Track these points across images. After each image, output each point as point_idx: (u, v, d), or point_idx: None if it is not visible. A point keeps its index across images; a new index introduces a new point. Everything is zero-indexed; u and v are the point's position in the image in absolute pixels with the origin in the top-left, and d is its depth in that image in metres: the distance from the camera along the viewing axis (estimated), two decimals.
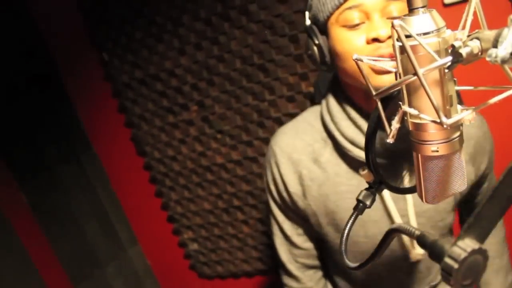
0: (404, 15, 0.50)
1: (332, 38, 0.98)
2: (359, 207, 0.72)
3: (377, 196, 0.96)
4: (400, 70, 0.50)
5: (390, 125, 0.54)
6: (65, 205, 2.32)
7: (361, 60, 0.56)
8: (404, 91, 0.52)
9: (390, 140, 0.54)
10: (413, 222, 1.09)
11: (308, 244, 1.27)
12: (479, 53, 0.45)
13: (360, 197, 0.73)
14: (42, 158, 2.24)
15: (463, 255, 0.46)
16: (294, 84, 1.79)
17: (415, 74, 0.46)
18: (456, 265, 0.46)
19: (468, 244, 0.47)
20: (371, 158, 0.69)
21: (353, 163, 1.07)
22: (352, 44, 0.94)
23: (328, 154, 1.10)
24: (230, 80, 1.89)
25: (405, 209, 1.07)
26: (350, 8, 0.92)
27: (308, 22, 1.05)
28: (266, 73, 1.81)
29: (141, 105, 2.12)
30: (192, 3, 1.81)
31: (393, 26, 0.46)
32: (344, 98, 1.07)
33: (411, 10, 0.49)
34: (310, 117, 1.17)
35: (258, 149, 1.97)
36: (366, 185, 0.99)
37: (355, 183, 1.08)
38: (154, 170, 2.26)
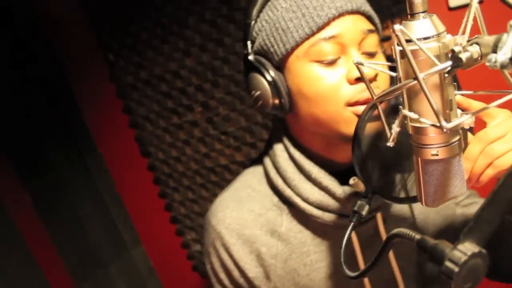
0: (405, 20, 0.50)
1: (297, 76, 0.79)
2: (356, 218, 0.72)
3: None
4: (401, 75, 0.51)
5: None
6: (69, 205, 2.33)
7: (362, 64, 0.56)
8: (405, 95, 0.52)
9: (390, 143, 0.55)
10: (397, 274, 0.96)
11: None
12: (479, 58, 0.46)
13: (356, 208, 0.72)
14: (47, 158, 2.25)
15: (464, 258, 0.46)
16: None
17: (415, 78, 0.46)
18: (456, 269, 0.46)
19: (468, 248, 0.47)
20: (359, 168, 0.69)
21: (319, 227, 0.90)
22: (330, 85, 0.76)
23: (287, 222, 0.91)
24: (235, 82, 1.89)
25: None
26: (325, 38, 0.75)
27: (250, 54, 0.84)
28: None
29: (145, 106, 2.12)
30: (197, 5, 1.82)
31: (393, 31, 0.47)
32: (299, 153, 0.87)
33: (412, 15, 0.49)
34: (251, 182, 0.97)
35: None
36: (336, 249, 0.87)
37: (324, 249, 0.91)
38: (158, 171, 2.27)
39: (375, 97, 0.54)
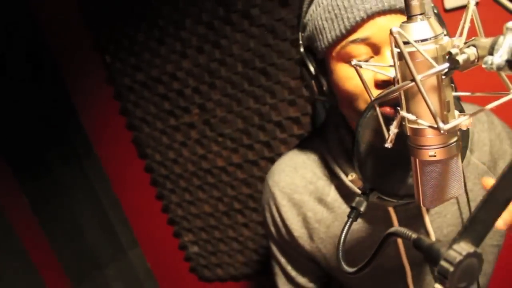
0: (403, 22, 0.50)
1: (333, 73, 0.82)
2: (354, 213, 0.73)
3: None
4: (398, 76, 0.51)
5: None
6: (66, 207, 2.33)
7: (360, 66, 0.56)
8: (402, 97, 0.52)
9: (388, 144, 0.55)
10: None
11: (312, 284, 1.15)
12: (476, 60, 0.46)
13: (354, 204, 0.73)
14: (44, 160, 2.25)
15: (459, 258, 0.47)
16: (295, 88, 1.80)
17: (413, 80, 0.46)
18: (451, 268, 0.47)
19: (463, 248, 0.48)
20: (359, 164, 0.70)
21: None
22: (357, 86, 0.77)
23: (334, 193, 0.98)
24: (232, 84, 1.90)
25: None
26: (355, 41, 0.74)
27: (301, 46, 0.88)
28: (268, 76, 1.82)
29: (142, 107, 2.12)
30: (194, 7, 1.82)
31: (391, 33, 0.47)
32: (345, 134, 0.94)
33: (410, 17, 0.50)
34: (308, 149, 1.04)
35: (259, 152, 1.98)
36: (378, 225, 0.96)
37: (366, 223, 0.97)
38: (155, 172, 2.27)
39: (373, 98, 0.55)
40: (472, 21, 0.49)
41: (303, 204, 1.01)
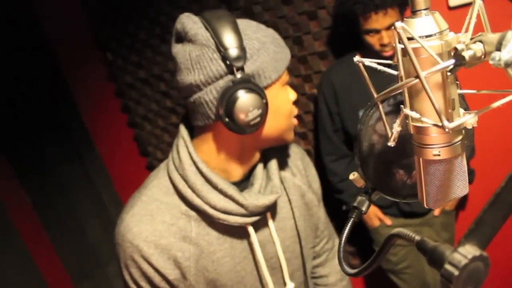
0: (407, 17, 0.49)
1: (275, 97, 0.96)
2: (356, 213, 0.71)
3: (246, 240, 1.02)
4: (402, 73, 0.50)
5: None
6: (67, 205, 2.33)
7: (363, 63, 0.55)
8: (406, 94, 0.51)
9: (391, 143, 0.54)
10: (282, 261, 1.11)
11: None
12: (482, 56, 0.44)
13: (355, 204, 0.72)
14: (45, 158, 2.25)
15: (464, 261, 0.45)
16: (298, 86, 1.78)
17: (417, 77, 0.45)
18: (456, 272, 0.45)
19: (469, 251, 0.46)
20: (361, 163, 0.68)
21: (223, 228, 1.03)
22: (289, 102, 1.00)
23: (195, 227, 1.02)
24: None
25: (273, 251, 1.09)
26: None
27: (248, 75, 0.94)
28: None
29: (144, 105, 2.12)
30: (196, 4, 1.81)
31: (395, 28, 0.46)
32: (206, 167, 0.99)
33: (414, 12, 0.48)
34: (157, 195, 1.04)
35: None
36: (239, 244, 1.05)
37: (227, 246, 1.04)
38: None
39: (375, 96, 0.53)
40: (478, 16, 0.48)
41: (171, 246, 1.00)
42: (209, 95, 0.92)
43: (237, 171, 1.03)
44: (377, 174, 0.71)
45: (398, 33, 0.46)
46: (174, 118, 2.08)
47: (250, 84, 0.90)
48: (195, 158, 0.99)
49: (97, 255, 2.43)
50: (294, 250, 1.15)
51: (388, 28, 1.62)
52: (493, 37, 0.43)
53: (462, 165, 0.53)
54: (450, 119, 0.49)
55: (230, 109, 0.89)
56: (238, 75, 0.90)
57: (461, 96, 0.53)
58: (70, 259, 2.32)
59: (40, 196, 2.23)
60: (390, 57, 1.70)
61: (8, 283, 2.02)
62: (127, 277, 1.04)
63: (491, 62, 0.42)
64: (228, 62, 0.89)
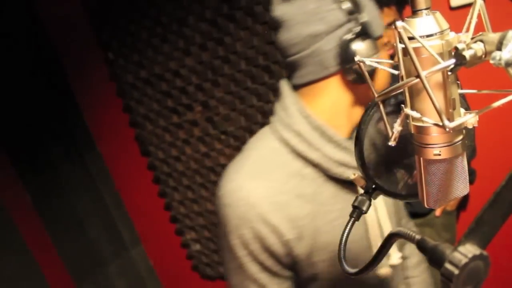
0: (407, 17, 0.49)
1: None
2: (356, 213, 0.71)
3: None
4: (403, 72, 0.50)
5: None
6: (69, 204, 2.33)
7: (364, 62, 0.55)
8: (407, 94, 0.51)
9: (392, 143, 0.54)
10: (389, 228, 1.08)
11: None
12: (483, 56, 0.44)
13: (356, 203, 0.71)
14: (46, 157, 2.25)
15: (464, 260, 0.45)
16: None
17: (418, 76, 0.45)
18: (456, 271, 0.45)
19: (469, 250, 0.46)
20: (361, 163, 0.68)
21: (334, 187, 1.01)
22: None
23: (308, 186, 1.00)
24: (235, 81, 1.89)
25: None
26: None
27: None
28: (271, 74, 1.81)
29: (145, 105, 2.12)
30: (198, 4, 1.81)
31: (395, 28, 0.46)
32: (320, 121, 0.98)
33: (415, 12, 0.48)
34: (266, 155, 1.02)
35: None
36: (350, 207, 0.99)
37: (340, 207, 1.01)
38: (158, 170, 2.26)
39: (376, 95, 0.53)
40: (479, 16, 0.48)
41: (287, 204, 0.98)
42: (329, 45, 0.92)
43: (345, 128, 1.01)
44: (377, 174, 0.71)
45: (399, 32, 0.46)
46: (175, 118, 2.09)
47: (367, 33, 0.91)
48: (308, 112, 0.98)
49: (98, 254, 2.43)
50: (393, 220, 1.13)
51: (386, 27, 1.62)
52: (493, 36, 0.43)
53: (462, 164, 0.53)
54: (450, 119, 0.49)
55: (351, 58, 0.90)
56: (356, 24, 0.91)
57: (462, 96, 0.53)
58: (70, 258, 2.32)
59: (41, 196, 2.23)
60: (390, 56, 1.70)
61: (8, 282, 2.02)
62: (236, 241, 0.99)
63: (491, 61, 0.42)
64: (347, 11, 0.91)
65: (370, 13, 0.94)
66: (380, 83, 0.96)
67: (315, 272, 1.06)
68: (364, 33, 0.91)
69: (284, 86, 1.03)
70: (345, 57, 0.90)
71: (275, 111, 1.06)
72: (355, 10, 0.91)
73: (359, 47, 0.90)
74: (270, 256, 1.00)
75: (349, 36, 0.90)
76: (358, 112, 1.00)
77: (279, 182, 0.98)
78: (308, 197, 0.99)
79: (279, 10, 0.97)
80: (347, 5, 0.91)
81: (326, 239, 1.01)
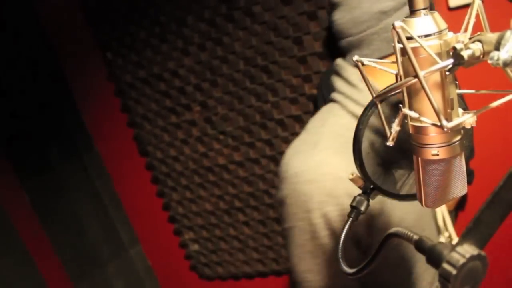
0: (406, 17, 0.49)
1: None
2: (354, 213, 0.71)
3: None
4: (401, 72, 0.50)
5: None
6: (67, 204, 2.32)
7: (362, 63, 0.55)
8: (405, 94, 0.51)
9: (390, 143, 0.54)
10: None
11: None
12: (481, 56, 0.44)
13: (354, 203, 0.71)
14: (45, 157, 2.24)
15: (462, 261, 0.45)
16: (297, 86, 1.78)
17: (416, 76, 0.45)
18: (454, 271, 0.45)
19: (467, 250, 0.46)
20: (360, 163, 0.68)
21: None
22: None
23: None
24: (234, 81, 1.89)
25: None
26: None
27: None
28: (270, 74, 1.81)
29: (144, 105, 2.11)
30: (196, 4, 1.81)
31: (394, 28, 0.46)
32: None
33: (413, 11, 0.48)
34: (340, 131, 0.99)
35: (261, 150, 1.96)
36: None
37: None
38: (156, 170, 2.26)
39: (374, 96, 0.53)
40: (477, 16, 0.48)
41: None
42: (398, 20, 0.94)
43: None
44: (375, 174, 0.71)
45: (397, 32, 0.46)
46: (173, 117, 2.09)
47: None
48: (377, 87, 0.93)
49: (97, 255, 2.43)
50: None
51: None
52: (491, 36, 0.43)
53: (461, 165, 0.53)
54: (449, 119, 0.49)
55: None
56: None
57: (460, 96, 0.53)
58: (69, 259, 2.32)
59: (40, 195, 2.23)
60: None
61: (6, 283, 2.02)
62: (319, 220, 0.93)
63: (489, 61, 0.42)
64: None
65: None
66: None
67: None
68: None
69: (345, 64, 1.03)
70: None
71: (338, 88, 1.05)
72: None
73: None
74: (351, 237, 0.96)
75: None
76: None
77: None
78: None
79: None
80: None
81: (399, 214, 0.98)
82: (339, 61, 1.05)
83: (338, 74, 1.06)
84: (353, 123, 0.98)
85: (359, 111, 0.97)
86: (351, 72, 1.03)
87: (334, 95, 1.07)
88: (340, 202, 0.92)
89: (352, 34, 0.98)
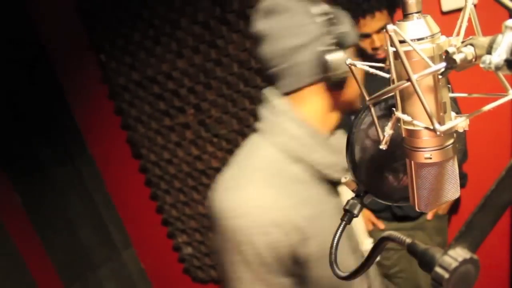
0: (399, 20, 0.49)
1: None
2: (347, 217, 0.71)
3: None
4: (394, 76, 0.50)
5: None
6: (60, 207, 2.31)
7: (355, 65, 0.55)
8: (398, 97, 0.51)
9: (383, 146, 0.54)
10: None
11: None
12: (473, 60, 0.44)
13: (347, 207, 0.71)
14: (37, 160, 2.23)
15: (454, 264, 0.45)
16: None
17: (409, 80, 0.45)
18: (446, 275, 0.45)
19: (459, 254, 0.46)
20: (352, 166, 0.68)
21: (325, 189, 1.07)
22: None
23: (306, 189, 1.04)
24: (227, 84, 1.89)
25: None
26: None
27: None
28: (263, 77, 1.81)
29: (137, 107, 2.11)
30: (190, 6, 1.81)
31: (387, 31, 0.46)
32: (312, 128, 1.04)
33: (406, 15, 0.48)
34: (263, 164, 1.05)
35: None
36: (335, 207, 1.06)
37: (335, 204, 1.08)
38: (150, 173, 2.25)
39: (367, 99, 0.53)
40: (469, 21, 0.48)
41: (294, 208, 1.01)
42: (306, 57, 0.97)
43: (325, 131, 1.07)
44: (369, 177, 0.71)
45: (389, 36, 0.46)
46: (167, 120, 2.08)
47: (343, 44, 0.97)
48: (299, 116, 1.04)
49: (89, 257, 2.42)
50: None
51: (379, 31, 1.63)
52: (483, 40, 0.43)
53: (453, 168, 0.53)
54: (441, 122, 0.49)
55: (330, 67, 0.96)
56: (333, 36, 0.97)
57: (453, 100, 0.53)
58: (61, 261, 2.31)
59: (32, 198, 2.22)
60: (383, 60, 1.71)
61: None
62: (249, 252, 0.99)
63: (481, 65, 0.42)
64: (323, 25, 0.96)
65: (345, 25, 0.99)
66: (352, 90, 1.02)
67: (311, 274, 1.07)
68: (339, 44, 0.96)
69: (271, 93, 1.06)
70: (322, 67, 0.96)
71: (263, 118, 1.09)
72: (332, 22, 0.96)
73: (338, 56, 0.95)
74: (279, 261, 1.01)
75: (324, 48, 0.95)
76: (336, 116, 1.08)
77: (282, 188, 1.01)
78: (308, 199, 1.04)
79: (260, 25, 1.03)
80: (322, 19, 0.96)
81: (328, 237, 1.01)
82: (265, 90, 1.09)
83: (264, 103, 1.10)
84: (277, 154, 1.04)
85: (283, 140, 1.03)
86: (276, 102, 1.06)
87: (258, 125, 1.12)
88: (267, 231, 0.97)
89: (270, 67, 1.03)
